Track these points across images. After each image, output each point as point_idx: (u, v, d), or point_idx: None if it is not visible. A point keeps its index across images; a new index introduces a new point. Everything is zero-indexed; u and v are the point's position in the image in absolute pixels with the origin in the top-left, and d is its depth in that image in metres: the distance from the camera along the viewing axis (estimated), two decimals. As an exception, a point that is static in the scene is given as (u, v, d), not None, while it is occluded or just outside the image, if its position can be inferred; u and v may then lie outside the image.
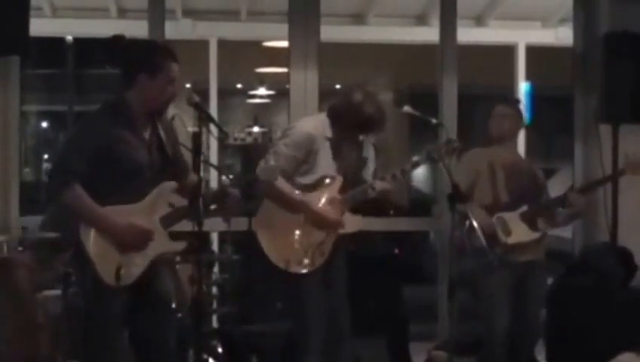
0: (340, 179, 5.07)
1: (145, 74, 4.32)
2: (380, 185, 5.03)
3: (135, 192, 4.32)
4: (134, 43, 4.55)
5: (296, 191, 4.99)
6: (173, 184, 4.40)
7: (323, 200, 5.03)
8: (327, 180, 5.04)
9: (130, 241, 4.28)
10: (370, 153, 7.33)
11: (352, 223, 5.14)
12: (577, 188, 5.80)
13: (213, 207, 4.56)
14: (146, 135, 4.39)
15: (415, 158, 5.14)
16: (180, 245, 4.44)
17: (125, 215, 4.28)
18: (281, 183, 4.91)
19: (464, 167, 5.59)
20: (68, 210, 4.30)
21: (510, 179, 5.51)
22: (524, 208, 5.47)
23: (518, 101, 5.99)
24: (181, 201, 4.43)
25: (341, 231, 5.06)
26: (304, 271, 4.93)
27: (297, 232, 4.95)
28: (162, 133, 4.43)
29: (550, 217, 5.56)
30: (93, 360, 4.42)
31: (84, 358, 4.58)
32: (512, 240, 5.37)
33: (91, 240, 4.24)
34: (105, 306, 4.28)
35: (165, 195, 4.38)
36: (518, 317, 5.42)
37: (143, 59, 4.36)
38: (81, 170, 4.23)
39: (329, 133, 5.04)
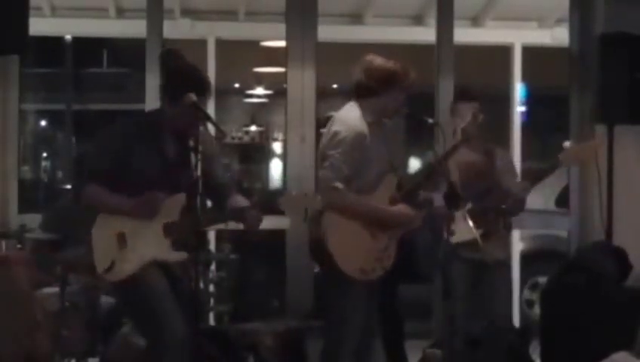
0: (394, 177, 4.92)
1: (168, 99, 4.44)
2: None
3: None
4: (177, 66, 4.55)
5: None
6: (182, 197, 4.36)
7: (387, 201, 4.86)
8: (383, 180, 4.86)
9: (148, 208, 4.33)
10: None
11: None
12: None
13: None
14: (171, 151, 4.45)
15: (452, 143, 5.10)
16: (180, 256, 4.38)
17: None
18: (347, 195, 4.70)
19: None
20: (89, 207, 4.43)
21: (462, 179, 5.42)
22: (469, 206, 5.39)
23: (471, 96, 5.63)
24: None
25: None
26: (376, 278, 4.82)
27: (366, 239, 4.78)
28: (194, 152, 4.33)
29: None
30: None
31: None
32: (455, 238, 5.25)
33: (98, 232, 4.40)
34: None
35: (173, 206, 4.37)
36: (484, 316, 5.51)
37: (168, 86, 4.46)
38: (98, 171, 4.39)
39: (368, 118, 4.81)
